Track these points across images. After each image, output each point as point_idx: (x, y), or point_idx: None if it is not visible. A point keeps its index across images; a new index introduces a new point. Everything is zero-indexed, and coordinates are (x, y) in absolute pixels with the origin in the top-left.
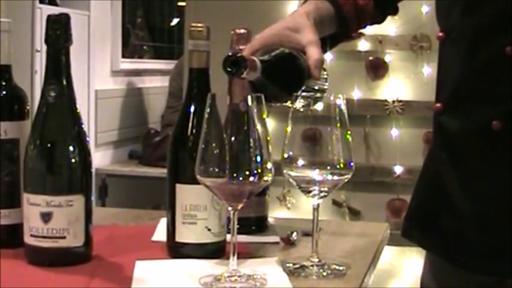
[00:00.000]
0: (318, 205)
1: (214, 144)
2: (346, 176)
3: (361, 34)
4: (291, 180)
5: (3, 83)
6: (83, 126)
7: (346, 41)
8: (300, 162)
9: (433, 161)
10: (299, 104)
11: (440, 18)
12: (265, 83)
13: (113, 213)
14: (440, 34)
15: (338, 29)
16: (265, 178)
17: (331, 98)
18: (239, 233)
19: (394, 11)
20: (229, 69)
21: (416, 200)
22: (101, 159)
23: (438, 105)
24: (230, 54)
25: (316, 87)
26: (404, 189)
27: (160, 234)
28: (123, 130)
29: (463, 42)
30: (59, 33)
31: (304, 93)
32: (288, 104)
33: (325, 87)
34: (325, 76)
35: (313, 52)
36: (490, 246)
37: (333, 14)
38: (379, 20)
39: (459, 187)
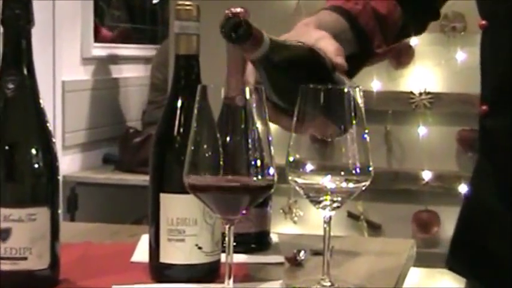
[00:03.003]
0: (330, 218)
1: (205, 146)
2: (363, 183)
3: (390, 51)
4: (297, 188)
5: None
6: (48, 124)
7: (372, 62)
8: (309, 166)
9: (479, 175)
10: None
11: (481, 2)
12: (275, 71)
13: (84, 229)
14: (483, 22)
15: (357, 47)
16: (267, 186)
17: (346, 89)
18: (236, 251)
19: (434, 16)
20: (231, 35)
21: (461, 223)
22: (69, 164)
23: (483, 107)
24: (230, 15)
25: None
26: (433, 198)
27: (141, 253)
28: (96, 129)
29: (508, 32)
30: (18, 12)
31: None
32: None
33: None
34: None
35: (327, 43)
36: None
37: (346, 28)
38: (414, 31)
39: (510, 206)
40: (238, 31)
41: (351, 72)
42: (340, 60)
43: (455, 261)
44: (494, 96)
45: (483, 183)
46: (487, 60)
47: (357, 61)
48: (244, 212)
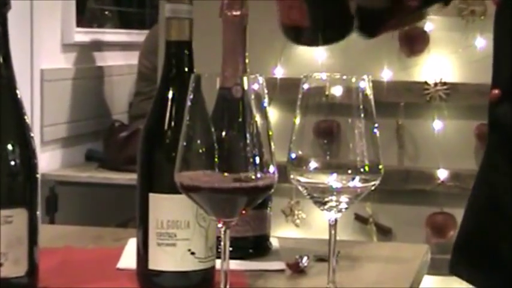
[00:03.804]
0: (336, 221)
1: (199, 141)
2: (372, 183)
3: (419, 15)
4: (300, 188)
5: None
6: (26, 117)
7: (399, 21)
8: (312, 164)
9: (488, 169)
10: None
11: None
12: None
13: (65, 232)
14: None
15: None
16: (266, 185)
17: (353, 79)
18: (232, 257)
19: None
20: None
21: (467, 223)
22: (48, 161)
23: (495, 91)
24: None
25: None
26: (449, 200)
27: (128, 259)
28: (78, 123)
29: None
30: None
31: None
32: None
33: None
34: None
35: None
36: None
37: None
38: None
39: None
40: None
41: (374, 28)
42: None
43: (460, 266)
44: (507, 80)
45: (493, 179)
46: (500, 40)
47: (383, 14)
48: (241, 214)
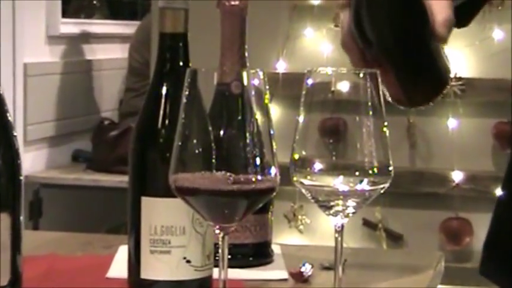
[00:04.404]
0: (343, 226)
1: (195, 141)
2: (382, 186)
3: None
4: (304, 191)
5: None
6: (8, 115)
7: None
8: (317, 165)
9: None
10: None
11: None
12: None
13: (50, 238)
14: None
15: None
16: (267, 188)
17: (361, 74)
18: (231, 266)
19: None
20: None
21: (493, 223)
22: (32, 162)
23: None
24: None
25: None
26: (465, 204)
27: (118, 268)
28: (64, 121)
29: None
30: None
31: None
32: None
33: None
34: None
35: (438, 8)
36: None
37: None
38: None
39: None
40: None
41: (463, 21)
42: (441, 30)
43: (487, 267)
44: None
45: None
46: None
47: (474, 4)
48: (241, 219)
